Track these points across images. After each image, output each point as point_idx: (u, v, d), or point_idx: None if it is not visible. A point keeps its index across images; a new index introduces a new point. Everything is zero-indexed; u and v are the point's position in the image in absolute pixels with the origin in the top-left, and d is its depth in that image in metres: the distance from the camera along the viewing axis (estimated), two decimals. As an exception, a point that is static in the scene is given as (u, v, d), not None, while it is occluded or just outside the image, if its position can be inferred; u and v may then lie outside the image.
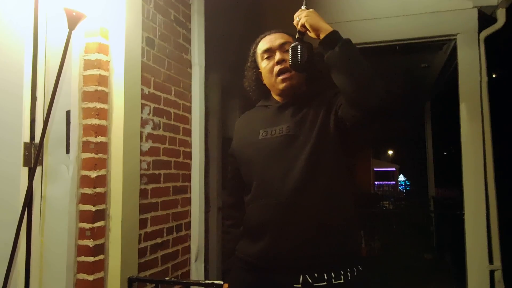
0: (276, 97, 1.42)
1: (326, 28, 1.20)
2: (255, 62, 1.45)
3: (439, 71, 4.44)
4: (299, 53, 1.25)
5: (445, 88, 4.85)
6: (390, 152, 22.43)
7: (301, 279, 1.16)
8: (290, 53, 1.27)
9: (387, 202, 11.10)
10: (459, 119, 3.10)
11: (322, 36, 1.19)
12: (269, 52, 1.37)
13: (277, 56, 1.34)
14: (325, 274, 1.17)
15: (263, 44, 1.40)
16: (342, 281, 1.18)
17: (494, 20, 3.01)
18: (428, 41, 3.30)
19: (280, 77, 1.34)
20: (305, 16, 1.23)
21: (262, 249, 1.22)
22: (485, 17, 3.06)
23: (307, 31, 1.24)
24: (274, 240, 1.20)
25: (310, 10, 1.25)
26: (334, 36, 1.18)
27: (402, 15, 3.21)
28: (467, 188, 2.99)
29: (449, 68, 3.98)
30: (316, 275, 1.16)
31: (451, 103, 3.51)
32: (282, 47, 1.35)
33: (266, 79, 1.40)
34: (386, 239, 6.58)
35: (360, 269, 1.23)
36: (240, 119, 1.55)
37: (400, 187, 20.54)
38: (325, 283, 1.16)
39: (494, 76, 3.80)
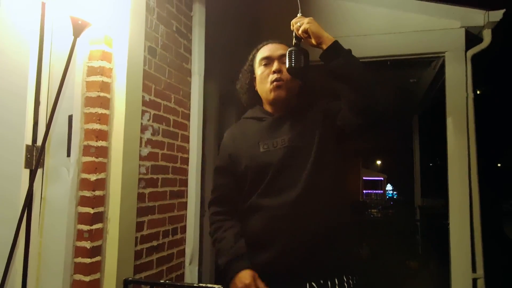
0: (267, 107, 1.39)
1: (328, 37, 1.19)
2: (252, 66, 1.42)
3: (427, 86, 4.48)
4: (297, 58, 1.22)
5: (432, 103, 4.90)
6: (379, 162, 22.51)
7: (308, 286, 1.15)
8: (287, 56, 1.24)
9: (375, 210, 11.10)
10: (446, 132, 3.12)
11: (325, 44, 1.19)
12: (268, 60, 1.34)
13: (275, 65, 1.32)
14: (329, 282, 1.16)
15: (264, 51, 1.38)
16: None
17: (480, 40, 3.06)
18: (417, 57, 3.33)
19: (274, 84, 1.30)
20: (307, 23, 1.20)
21: (269, 259, 1.19)
22: (472, 37, 3.10)
23: (307, 38, 1.22)
24: (282, 249, 1.17)
25: (310, 18, 1.24)
26: (338, 46, 1.18)
27: (394, 32, 3.24)
28: (452, 198, 3.00)
29: (437, 83, 4.01)
30: (321, 281, 1.16)
31: (438, 117, 3.54)
32: (281, 59, 1.33)
33: (260, 86, 1.37)
34: (374, 246, 6.57)
35: (358, 277, 1.23)
36: (231, 132, 1.46)
37: (387, 196, 20.58)
38: None
39: (479, 92, 3.84)
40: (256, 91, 1.40)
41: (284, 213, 1.18)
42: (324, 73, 1.22)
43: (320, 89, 1.32)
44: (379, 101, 1.14)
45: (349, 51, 1.19)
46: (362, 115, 1.15)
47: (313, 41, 1.21)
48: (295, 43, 1.25)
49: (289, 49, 1.25)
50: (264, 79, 1.34)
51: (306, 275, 1.16)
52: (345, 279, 1.18)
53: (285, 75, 1.30)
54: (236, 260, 1.24)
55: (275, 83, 1.30)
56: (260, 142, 1.29)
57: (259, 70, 1.36)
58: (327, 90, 1.33)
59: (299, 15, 1.28)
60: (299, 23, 1.23)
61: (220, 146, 1.46)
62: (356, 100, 1.14)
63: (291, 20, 1.28)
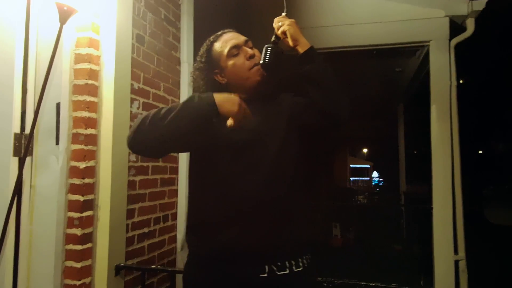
0: (239, 94, 1.24)
1: (305, 42, 1.24)
2: (209, 63, 1.31)
3: (412, 75, 4.49)
4: (272, 55, 1.23)
5: (417, 91, 4.92)
6: (365, 150, 22.70)
7: (266, 268, 1.14)
8: (263, 51, 1.24)
9: (361, 197, 11.21)
10: (430, 120, 3.15)
11: (301, 49, 1.23)
12: (237, 48, 1.28)
13: (248, 51, 1.27)
14: (286, 263, 1.16)
15: (227, 41, 1.29)
16: (301, 268, 1.19)
17: (464, 29, 3.06)
18: (402, 46, 3.34)
19: (254, 68, 1.26)
20: (287, 25, 1.23)
21: (230, 241, 1.15)
22: (455, 26, 3.10)
23: (284, 39, 1.25)
24: (242, 231, 1.15)
25: (292, 20, 1.26)
26: (313, 52, 1.24)
27: (379, 21, 3.23)
28: (435, 184, 3.04)
29: (421, 72, 4.03)
30: (279, 263, 1.16)
31: (422, 105, 3.56)
32: (247, 44, 1.30)
33: (235, 76, 1.28)
34: (360, 230, 6.66)
35: (310, 257, 1.24)
36: None
37: (373, 183, 20.82)
38: (288, 271, 1.16)
39: (462, 81, 3.86)
40: (222, 85, 1.30)
41: (248, 194, 1.16)
42: (294, 70, 1.24)
43: (286, 81, 1.31)
44: (347, 105, 1.22)
45: (322, 58, 1.24)
46: (330, 116, 1.22)
47: (290, 43, 1.24)
48: (273, 40, 1.27)
49: (266, 45, 1.25)
50: (240, 68, 1.27)
51: (266, 258, 1.16)
52: (300, 259, 1.20)
53: (260, 57, 1.27)
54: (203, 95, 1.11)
55: (255, 67, 1.26)
56: (224, 121, 1.16)
57: (230, 61, 1.27)
58: (292, 83, 1.32)
59: (283, 14, 1.28)
60: (280, 23, 1.25)
61: None
62: (325, 104, 1.21)
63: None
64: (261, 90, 1.30)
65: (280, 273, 1.15)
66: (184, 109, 1.06)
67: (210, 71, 1.31)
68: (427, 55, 3.27)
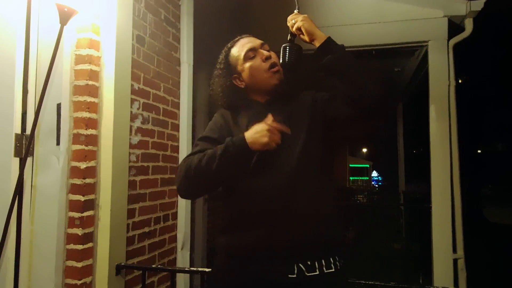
0: (258, 97, 1.33)
1: (321, 35, 1.23)
2: (228, 69, 1.33)
3: (411, 75, 4.49)
4: (291, 53, 1.24)
5: (416, 91, 4.92)
6: (365, 150, 22.72)
7: (295, 269, 1.12)
8: (282, 51, 1.25)
9: (361, 196, 11.20)
10: (429, 119, 3.15)
11: (317, 41, 1.22)
12: (253, 51, 1.31)
13: (264, 53, 1.29)
14: (316, 263, 1.14)
15: (243, 45, 1.32)
16: (333, 270, 1.16)
17: (462, 29, 3.06)
18: (401, 46, 3.33)
19: (272, 70, 1.27)
20: (301, 21, 1.23)
21: (258, 239, 1.15)
22: (454, 26, 3.10)
23: (300, 35, 1.24)
24: (271, 230, 1.14)
25: (305, 15, 1.25)
26: (331, 42, 1.22)
27: (379, 22, 3.23)
28: (434, 183, 3.04)
29: (420, 72, 4.02)
30: (309, 262, 1.13)
31: (421, 105, 3.56)
32: (263, 46, 1.32)
33: (253, 79, 1.30)
34: (360, 230, 6.66)
35: (344, 260, 1.22)
36: (222, 112, 1.37)
37: (373, 182, 20.82)
38: (317, 272, 1.14)
39: (460, 81, 3.86)
40: (240, 89, 1.33)
41: (274, 194, 1.16)
42: (314, 66, 1.21)
43: (306, 79, 1.30)
44: (373, 92, 1.15)
45: (342, 46, 1.21)
46: (356, 105, 1.17)
47: (306, 38, 1.23)
48: (289, 39, 1.27)
49: (284, 45, 1.26)
50: (257, 70, 1.29)
51: (295, 257, 1.14)
52: (331, 260, 1.17)
53: (276, 59, 1.30)
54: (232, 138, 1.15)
55: (273, 69, 1.28)
56: (249, 125, 1.23)
57: (247, 64, 1.30)
58: (312, 81, 1.31)
59: (295, 11, 1.28)
60: (294, 20, 1.25)
61: (210, 122, 1.37)
62: (351, 93, 1.17)
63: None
64: (281, 91, 1.30)
65: (309, 274, 1.13)
66: (224, 159, 1.12)
67: (229, 77, 1.33)
68: (425, 55, 3.26)
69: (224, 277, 1.22)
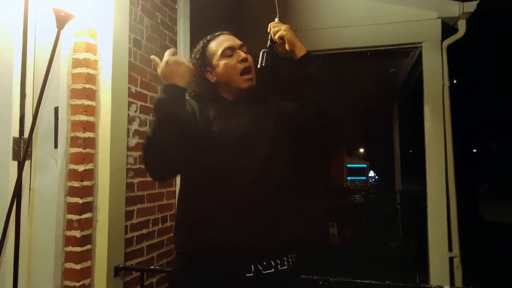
0: (227, 95, 1.32)
1: (301, 47, 1.29)
2: (202, 60, 1.32)
3: (406, 76, 4.51)
4: (268, 59, 1.28)
5: (411, 91, 4.93)
6: (361, 150, 22.74)
7: (252, 268, 1.14)
8: (261, 56, 1.28)
9: (358, 196, 11.23)
10: (424, 119, 3.16)
11: (298, 53, 1.28)
12: (231, 50, 1.30)
13: (241, 54, 1.29)
14: (272, 262, 1.16)
15: (222, 42, 1.31)
16: (286, 267, 1.19)
17: (455, 30, 3.08)
18: (396, 48, 3.34)
19: (245, 77, 1.28)
20: (284, 30, 1.27)
21: (217, 240, 1.14)
22: (447, 27, 3.12)
23: (281, 44, 1.28)
24: (229, 231, 1.15)
25: (287, 25, 1.29)
26: (311, 56, 1.28)
27: (373, 23, 3.24)
28: (430, 182, 3.05)
29: (415, 73, 4.04)
30: (265, 263, 1.16)
31: (416, 105, 3.57)
32: (242, 48, 1.32)
33: (224, 77, 1.29)
34: (357, 229, 6.68)
35: (295, 255, 1.24)
36: (188, 102, 1.31)
37: (370, 182, 20.84)
38: (273, 270, 1.16)
39: (455, 81, 3.88)
40: (211, 83, 1.32)
41: (235, 195, 1.16)
42: (290, 74, 1.28)
43: (277, 85, 1.32)
44: (343, 106, 1.26)
45: (319, 61, 1.28)
46: (327, 116, 1.25)
47: (287, 47, 1.28)
48: (269, 45, 1.30)
49: (263, 50, 1.29)
50: (231, 70, 1.28)
51: (252, 257, 1.15)
52: (285, 259, 1.19)
53: (251, 62, 1.31)
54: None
55: (245, 76, 1.28)
56: (214, 121, 1.23)
57: (222, 61, 1.29)
58: (284, 87, 1.33)
59: (276, 19, 1.32)
60: (277, 29, 1.28)
61: None
62: (322, 104, 1.24)
63: (273, 13, 1.31)
64: (251, 93, 1.31)
65: (265, 272, 1.15)
66: (157, 110, 1.13)
67: (202, 68, 1.32)
68: (420, 56, 3.28)
69: (182, 276, 1.21)
